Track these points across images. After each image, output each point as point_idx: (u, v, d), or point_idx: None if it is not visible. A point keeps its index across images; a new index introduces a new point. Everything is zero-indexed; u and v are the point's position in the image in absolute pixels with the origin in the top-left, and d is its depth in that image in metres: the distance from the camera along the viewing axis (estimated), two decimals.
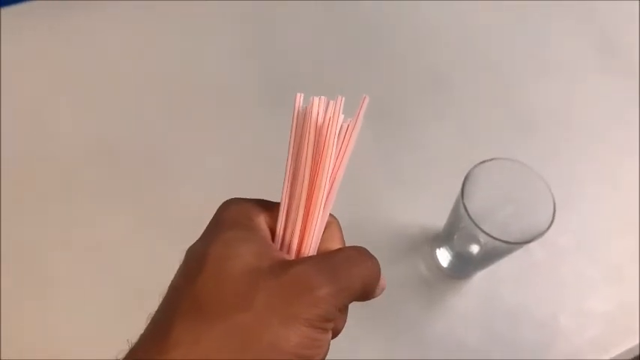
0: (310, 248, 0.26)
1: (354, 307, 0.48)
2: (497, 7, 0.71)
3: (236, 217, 0.25)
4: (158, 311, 0.23)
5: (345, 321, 0.26)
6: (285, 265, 0.23)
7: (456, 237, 0.49)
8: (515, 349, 0.49)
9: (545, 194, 0.42)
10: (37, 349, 0.46)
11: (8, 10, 0.63)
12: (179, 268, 0.24)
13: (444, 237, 0.50)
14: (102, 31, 0.64)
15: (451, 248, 0.50)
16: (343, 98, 0.25)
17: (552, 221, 0.40)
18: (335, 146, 0.25)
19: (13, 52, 0.61)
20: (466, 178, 0.42)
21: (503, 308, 0.51)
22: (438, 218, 0.51)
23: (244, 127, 0.59)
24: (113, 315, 0.47)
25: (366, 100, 0.25)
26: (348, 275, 0.24)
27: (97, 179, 0.54)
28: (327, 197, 0.26)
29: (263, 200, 0.27)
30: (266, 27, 0.66)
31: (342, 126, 0.25)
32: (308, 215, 0.26)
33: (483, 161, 0.42)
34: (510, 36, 0.69)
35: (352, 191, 0.55)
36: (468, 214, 0.40)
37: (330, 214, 0.27)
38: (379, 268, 0.26)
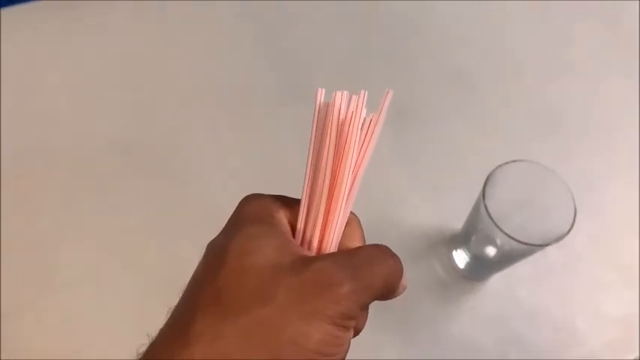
0: (331, 245, 0.26)
1: (370, 307, 0.48)
2: (520, 7, 0.70)
3: (257, 212, 0.25)
4: (178, 305, 0.23)
5: (366, 319, 0.26)
6: (306, 261, 0.23)
7: (473, 239, 0.48)
8: (531, 351, 0.49)
9: (566, 198, 0.42)
10: (54, 348, 0.46)
11: (8, 10, 0.63)
12: (200, 263, 0.24)
13: (461, 238, 0.50)
14: (110, 31, 0.64)
15: (468, 250, 0.49)
16: (366, 92, 0.25)
17: (572, 225, 0.40)
18: (357, 141, 0.25)
19: (13, 52, 0.61)
20: (487, 180, 0.41)
21: (519, 310, 0.50)
22: (455, 219, 0.51)
23: (263, 125, 0.59)
24: (131, 312, 0.48)
25: (390, 95, 0.25)
26: (370, 273, 0.24)
27: (109, 178, 0.55)
28: (349, 193, 0.26)
29: (284, 196, 0.27)
30: (284, 24, 0.66)
31: (364, 120, 0.25)
32: (329, 212, 0.26)
33: (504, 163, 0.42)
34: (534, 35, 0.69)
35: (371, 189, 0.55)
36: (490, 216, 0.40)
37: (350, 211, 0.27)
38: (401, 267, 0.26)
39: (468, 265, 0.50)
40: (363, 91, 0.25)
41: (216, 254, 0.24)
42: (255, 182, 0.51)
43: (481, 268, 0.51)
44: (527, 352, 0.49)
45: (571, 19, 0.70)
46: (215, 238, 0.25)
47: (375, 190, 0.55)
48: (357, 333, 0.26)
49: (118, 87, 0.60)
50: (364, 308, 0.25)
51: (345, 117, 0.25)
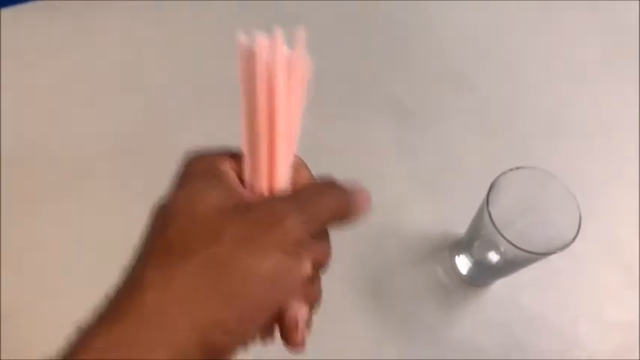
0: (280, 189, 0.26)
1: (370, 312, 0.47)
2: (523, 7, 0.69)
3: (203, 167, 0.25)
4: (130, 262, 0.23)
5: (327, 253, 0.27)
6: (252, 203, 0.24)
7: (476, 244, 0.48)
8: (533, 356, 0.49)
9: (570, 205, 0.41)
10: (54, 348, 0.45)
11: (8, 11, 0.63)
12: (148, 222, 0.24)
13: (464, 244, 0.50)
14: (107, 31, 0.64)
15: (471, 255, 0.49)
16: (280, 30, 0.25)
17: (577, 233, 0.40)
18: (284, 80, 0.25)
19: (13, 51, 0.60)
20: (491, 187, 0.41)
21: (521, 315, 0.50)
22: (458, 224, 0.51)
23: None
24: None
25: (303, 33, 0.25)
26: (316, 204, 0.25)
27: (109, 178, 0.54)
28: (290, 134, 0.26)
29: (227, 148, 0.27)
30: (282, 25, 0.65)
31: (291, 59, 0.25)
32: (273, 156, 0.26)
33: (508, 170, 0.42)
34: (537, 37, 0.68)
35: (374, 192, 0.54)
36: (493, 224, 0.40)
37: (295, 155, 0.27)
38: (349, 195, 0.26)
39: (471, 270, 0.50)
40: (278, 29, 0.25)
41: (164, 210, 0.24)
42: None
43: (483, 274, 0.50)
44: (529, 357, 0.48)
45: (574, 19, 0.70)
46: (162, 198, 0.25)
47: (377, 193, 0.54)
48: (319, 265, 0.26)
49: (118, 86, 0.60)
50: (319, 238, 0.26)
51: (269, 58, 0.24)
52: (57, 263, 0.50)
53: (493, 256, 0.47)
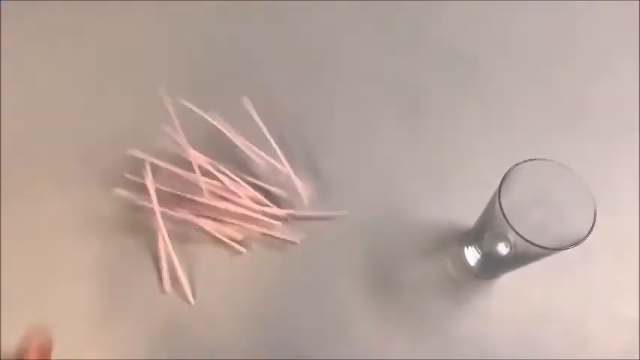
0: None
1: (379, 303, 0.47)
2: None
3: None
4: None
5: None
6: None
7: (486, 236, 0.47)
8: (542, 352, 0.48)
9: (585, 199, 0.40)
10: (55, 347, 0.45)
11: (8, 4, 0.62)
12: None
13: (473, 236, 0.49)
14: (111, 21, 0.63)
15: (480, 248, 0.48)
16: None
17: (592, 229, 0.38)
18: None
19: (13, 47, 0.60)
20: (504, 178, 0.40)
21: (531, 310, 0.49)
22: (467, 215, 0.50)
23: None
24: (136, 309, 0.47)
25: None
26: None
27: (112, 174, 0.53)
28: None
29: None
30: (297, 18, 0.64)
31: None
32: None
33: (522, 162, 0.40)
34: (555, 27, 0.66)
35: (382, 183, 0.54)
36: (504, 215, 0.39)
37: None
38: None
39: (480, 262, 0.49)
40: None
41: None
42: None
43: (493, 267, 0.49)
44: (538, 353, 0.48)
45: (596, 8, 0.67)
46: None
47: (386, 183, 0.54)
48: None
49: (119, 80, 0.59)
50: None
51: None
52: (58, 262, 0.49)
53: (503, 249, 0.46)
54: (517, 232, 0.38)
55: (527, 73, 0.62)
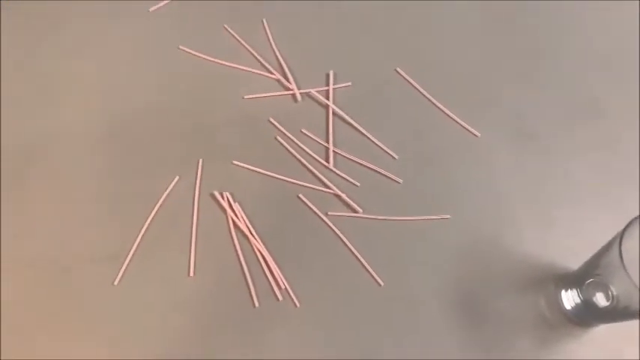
0: None
1: (462, 328, 0.46)
2: None
3: None
4: None
5: None
6: None
7: (588, 283, 0.46)
8: None
9: None
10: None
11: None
12: None
13: (574, 279, 0.47)
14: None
15: (580, 293, 0.47)
16: None
17: None
18: None
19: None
20: (628, 226, 0.39)
21: None
22: (570, 257, 0.49)
23: None
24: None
25: None
26: None
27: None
28: None
29: None
30: (412, 38, 0.65)
31: None
32: None
33: None
34: None
35: (484, 211, 0.53)
36: (624, 267, 0.37)
37: None
38: None
39: (576, 308, 0.47)
40: None
41: None
42: None
43: (589, 315, 0.48)
44: None
45: None
46: None
47: (488, 212, 0.53)
48: None
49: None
50: None
51: None
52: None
53: (601, 300, 0.45)
54: (635, 284, 0.37)
55: None
